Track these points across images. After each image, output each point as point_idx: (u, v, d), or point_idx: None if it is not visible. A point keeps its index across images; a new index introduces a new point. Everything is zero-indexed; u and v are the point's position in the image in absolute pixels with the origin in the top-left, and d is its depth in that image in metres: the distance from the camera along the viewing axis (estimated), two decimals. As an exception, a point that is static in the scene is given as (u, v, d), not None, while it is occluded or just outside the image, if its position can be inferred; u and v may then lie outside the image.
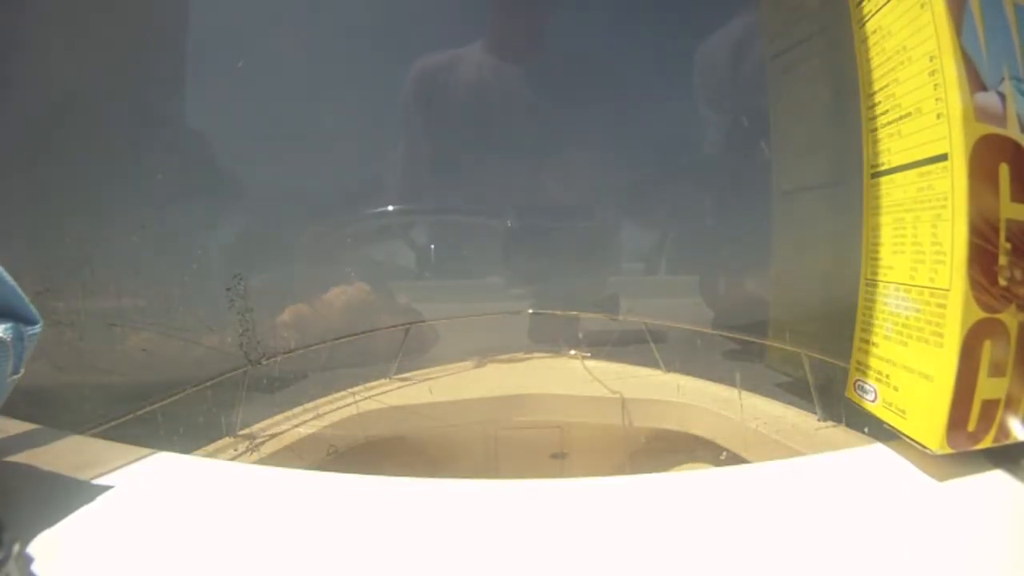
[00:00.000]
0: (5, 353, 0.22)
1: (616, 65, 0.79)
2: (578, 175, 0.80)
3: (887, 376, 0.28)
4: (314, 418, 0.54)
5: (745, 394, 0.55)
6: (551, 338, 0.73)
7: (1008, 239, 0.24)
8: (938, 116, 0.24)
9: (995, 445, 0.25)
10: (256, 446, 0.48)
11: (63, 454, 0.28)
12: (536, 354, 0.72)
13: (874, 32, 0.28)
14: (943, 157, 0.24)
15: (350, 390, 0.60)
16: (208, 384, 0.50)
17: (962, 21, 0.23)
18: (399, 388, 0.62)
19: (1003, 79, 0.24)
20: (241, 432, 0.49)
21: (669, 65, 0.78)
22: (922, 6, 0.24)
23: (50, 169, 0.63)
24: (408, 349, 0.67)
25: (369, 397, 0.58)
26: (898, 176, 0.28)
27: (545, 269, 0.80)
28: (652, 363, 0.66)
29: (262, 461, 0.46)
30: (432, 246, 0.81)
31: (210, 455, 0.45)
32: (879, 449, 0.29)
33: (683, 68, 0.78)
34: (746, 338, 0.65)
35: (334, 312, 0.72)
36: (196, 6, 0.72)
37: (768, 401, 0.54)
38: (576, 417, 0.58)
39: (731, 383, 0.58)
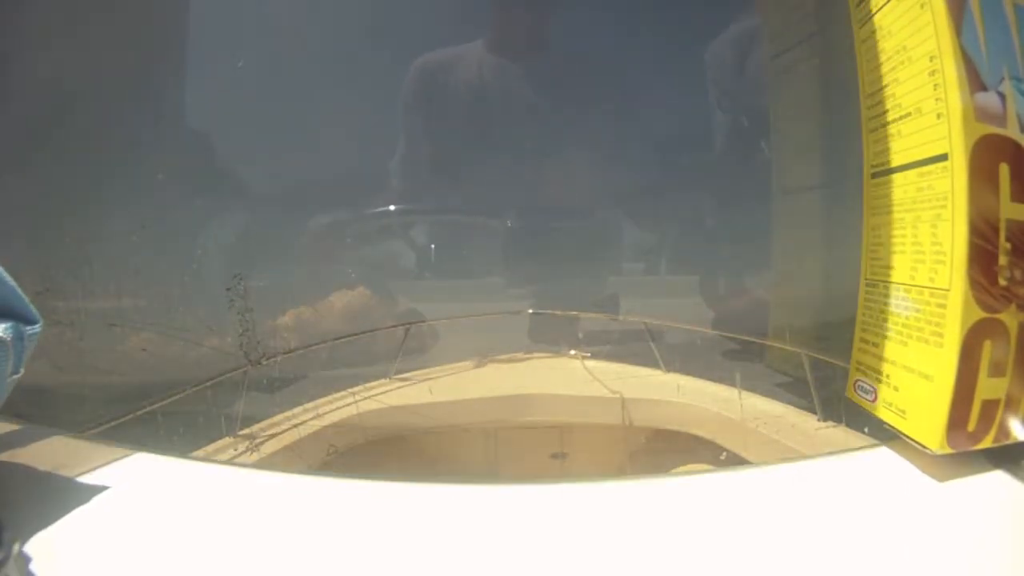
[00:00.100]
0: (5, 353, 0.22)
1: (617, 65, 0.79)
2: (578, 175, 0.80)
3: (887, 376, 0.28)
4: (314, 418, 0.54)
5: (745, 394, 0.55)
6: (551, 338, 0.73)
7: (1008, 239, 0.24)
8: (938, 116, 0.24)
9: (995, 445, 0.25)
10: (256, 446, 0.48)
11: (63, 454, 0.28)
12: (536, 354, 0.72)
13: (874, 32, 0.28)
14: (943, 157, 0.24)
15: (350, 390, 0.60)
16: (208, 384, 0.50)
17: (962, 21, 0.23)
18: (399, 388, 0.62)
19: (1003, 79, 0.24)
20: (241, 432, 0.49)
21: (670, 65, 0.78)
22: (922, 6, 0.24)
23: (50, 169, 0.63)
24: (408, 349, 0.67)
25: (369, 397, 0.58)
26: (898, 176, 0.28)
27: (545, 269, 0.80)
28: (652, 363, 0.66)
29: (262, 461, 0.46)
30: (432, 246, 0.81)
31: (210, 455, 0.45)
32: (879, 449, 0.29)
33: (683, 68, 0.78)
34: (746, 338, 0.65)
35: (334, 315, 0.72)
36: (196, 6, 0.72)
37: (768, 401, 0.54)
38: (576, 417, 0.58)
39: (731, 383, 0.58)
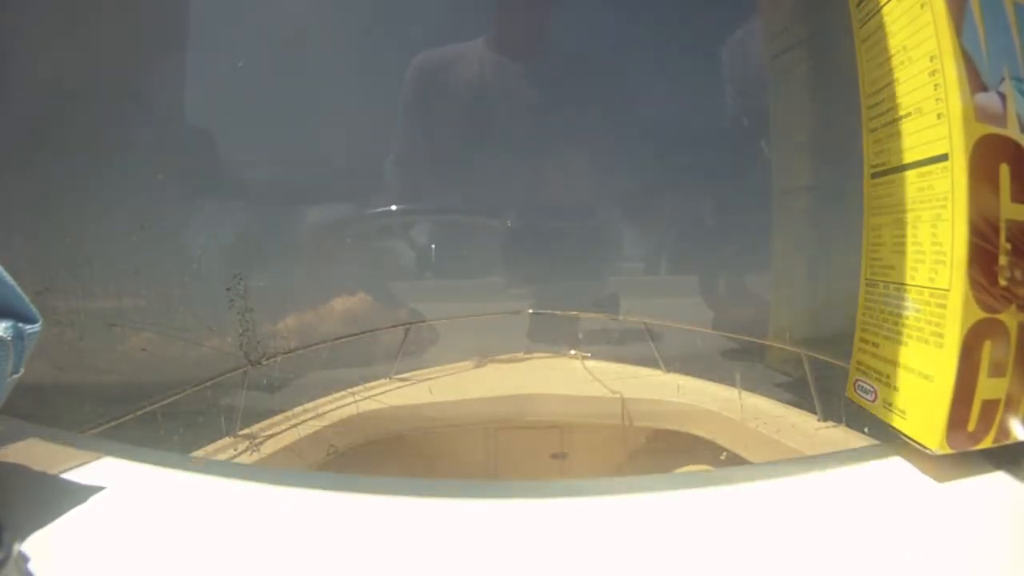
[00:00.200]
0: (5, 352, 0.22)
1: (617, 64, 0.79)
2: (578, 174, 0.80)
3: (887, 376, 0.28)
4: (314, 418, 0.54)
5: (745, 394, 0.55)
6: (551, 338, 0.73)
7: (1008, 239, 0.24)
8: (938, 116, 0.24)
9: (995, 445, 0.25)
10: (256, 446, 0.48)
11: (62, 454, 0.28)
12: (536, 354, 0.72)
13: (874, 32, 0.28)
14: (943, 157, 0.24)
15: (350, 390, 0.60)
16: (208, 384, 0.50)
17: (962, 21, 0.23)
18: (399, 388, 0.62)
19: (1003, 79, 0.24)
20: (241, 432, 0.49)
21: (670, 64, 0.78)
22: (922, 6, 0.24)
23: (50, 169, 0.63)
24: (408, 349, 0.67)
25: (369, 397, 0.58)
26: (898, 176, 0.28)
27: (545, 269, 0.80)
28: (652, 363, 0.66)
29: (262, 461, 0.46)
30: (432, 246, 0.81)
31: (210, 455, 0.45)
32: (879, 449, 0.29)
33: (684, 67, 0.78)
34: (746, 338, 0.65)
35: (335, 319, 0.72)
36: (196, 5, 0.72)
37: (768, 401, 0.54)
38: (576, 417, 0.58)
39: (731, 383, 0.58)
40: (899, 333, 0.27)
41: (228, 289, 0.55)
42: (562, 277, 0.80)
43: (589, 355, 0.70)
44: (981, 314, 0.24)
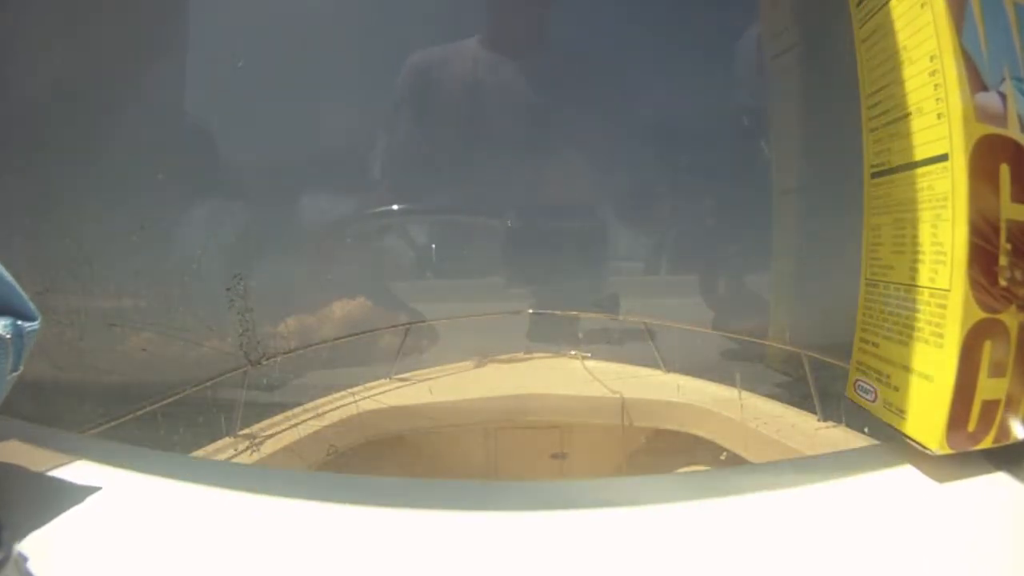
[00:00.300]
0: (4, 350, 0.22)
1: (615, 62, 0.79)
2: (578, 174, 0.80)
3: (887, 376, 0.28)
4: (314, 418, 0.54)
5: (745, 394, 0.55)
6: (551, 338, 0.73)
7: (1008, 239, 0.23)
8: (938, 116, 0.24)
9: (995, 446, 0.25)
10: (256, 446, 0.48)
11: (62, 454, 0.28)
12: (536, 354, 0.72)
13: (874, 32, 0.28)
14: (943, 157, 0.24)
15: (350, 390, 0.60)
16: (208, 384, 0.50)
17: (962, 21, 0.23)
18: (399, 388, 0.62)
19: (1004, 79, 0.24)
20: (241, 432, 0.49)
21: (669, 63, 0.78)
22: (922, 6, 0.24)
23: (50, 169, 0.63)
24: (408, 349, 0.67)
25: (369, 397, 0.58)
26: (898, 176, 0.28)
27: (545, 269, 0.80)
28: (652, 363, 0.66)
29: (262, 461, 0.46)
30: (432, 246, 0.81)
31: (210, 455, 0.46)
32: (879, 449, 0.29)
33: (683, 67, 0.78)
34: (746, 338, 0.65)
35: (334, 322, 0.72)
36: (196, 5, 0.72)
37: (768, 401, 0.54)
38: (576, 417, 0.58)
39: (731, 383, 0.58)
40: (899, 333, 0.27)
41: (228, 289, 0.55)
42: (562, 277, 0.80)
43: (589, 355, 0.70)
44: (981, 314, 0.24)
